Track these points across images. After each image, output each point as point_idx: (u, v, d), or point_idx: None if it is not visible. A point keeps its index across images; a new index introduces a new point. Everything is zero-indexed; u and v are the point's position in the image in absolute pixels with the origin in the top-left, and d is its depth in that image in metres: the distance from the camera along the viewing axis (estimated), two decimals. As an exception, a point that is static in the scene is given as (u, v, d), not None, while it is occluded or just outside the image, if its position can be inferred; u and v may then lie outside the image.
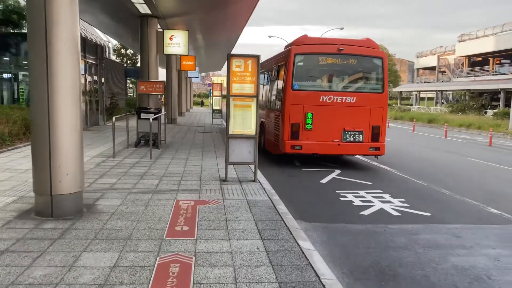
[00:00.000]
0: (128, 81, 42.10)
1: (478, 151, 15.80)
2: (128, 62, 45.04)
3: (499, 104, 37.21)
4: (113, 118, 9.57)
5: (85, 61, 16.59)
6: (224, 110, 35.50)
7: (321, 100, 9.89)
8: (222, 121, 23.74)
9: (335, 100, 9.92)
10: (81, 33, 16.83)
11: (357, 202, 7.02)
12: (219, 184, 7.23)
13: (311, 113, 9.84)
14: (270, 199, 6.35)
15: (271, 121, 11.02)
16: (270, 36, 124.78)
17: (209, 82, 77.72)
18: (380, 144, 10.18)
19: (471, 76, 44.56)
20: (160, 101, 37.02)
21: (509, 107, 27.76)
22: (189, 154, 10.89)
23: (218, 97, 23.52)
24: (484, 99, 37.78)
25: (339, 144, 10.01)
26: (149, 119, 10.65)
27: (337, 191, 7.76)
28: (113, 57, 45.37)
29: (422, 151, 14.84)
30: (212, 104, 24.69)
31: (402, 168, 10.64)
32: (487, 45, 41.85)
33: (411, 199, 7.35)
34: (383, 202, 7.08)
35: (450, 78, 50.40)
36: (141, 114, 11.66)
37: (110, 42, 49.91)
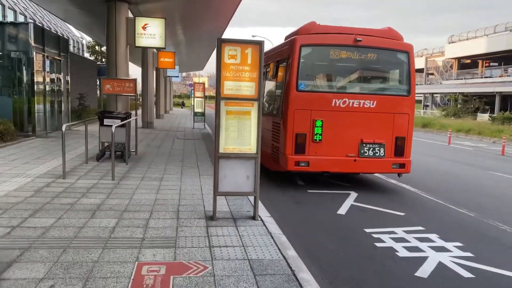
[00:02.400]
0: (103, 80, 39.31)
1: (495, 162, 14.00)
2: (103, 60, 42.14)
3: (492, 108, 35.97)
4: (63, 126, 7.25)
5: (43, 56, 14.10)
6: (209, 113, 33.28)
7: (333, 105, 7.79)
8: (204, 124, 21.47)
9: (351, 105, 7.83)
10: (35, 21, 14.33)
11: (402, 251, 4.92)
12: (205, 226, 5.02)
13: (321, 120, 7.72)
14: (283, 256, 4.17)
15: (268, 130, 8.85)
16: (253, 36, 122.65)
17: (190, 82, 74.96)
18: (406, 159, 8.14)
19: (462, 79, 43.35)
20: (138, 102, 34.54)
21: (508, 111, 26.41)
22: (165, 171, 8.62)
23: (200, 99, 21.24)
24: (478, 103, 36.47)
25: (355, 160, 7.92)
26: (114, 125, 8.36)
27: (366, 230, 5.65)
28: (86, 55, 42.53)
29: (434, 163, 12.91)
30: (193, 106, 22.38)
31: (426, 187, 8.62)
32: (478, 47, 40.65)
33: (469, 243, 5.30)
34: (436, 249, 5.01)
35: (439, 80, 49.21)
36: (105, 120, 9.33)
37: (84, 39, 46.96)
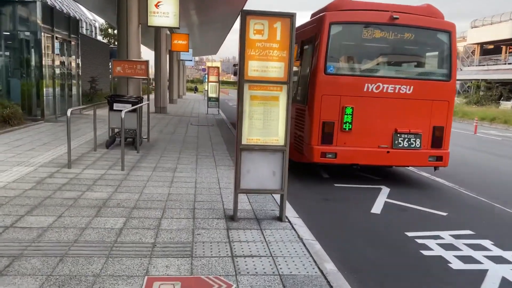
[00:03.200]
0: (116, 64, 38.62)
1: (530, 153, 13.06)
2: (116, 43, 41.53)
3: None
4: (68, 111, 6.61)
5: (52, 37, 13.48)
6: (222, 99, 32.49)
7: (365, 90, 7.00)
8: (218, 110, 20.77)
9: (385, 90, 7.03)
10: (46, 1, 13.69)
11: (455, 262, 4.19)
12: (225, 229, 4.35)
13: (351, 107, 6.95)
14: (321, 271, 3.48)
15: (291, 117, 8.08)
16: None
17: (203, 67, 74.07)
18: (444, 152, 7.34)
19: (484, 65, 41.69)
20: (151, 86, 33.98)
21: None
22: (179, 160, 7.97)
23: (214, 83, 20.48)
24: (502, 90, 34.99)
25: (388, 152, 7.15)
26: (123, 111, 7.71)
27: (408, 234, 4.94)
28: (99, 38, 41.95)
29: (464, 154, 12.04)
30: (207, 90, 21.66)
31: (463, 182, 7.83)
32: (502, 32, 38.85)
33: (533, 253, 4.55)
34: (494, 260, 4.27)
35: (459, 67, 47.55)
36: (115, 105, 8.69)
37: (97, 21, 46.35)
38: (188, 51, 21.53)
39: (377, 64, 7.38)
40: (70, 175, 6.26)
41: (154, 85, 24.11)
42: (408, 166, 8.56)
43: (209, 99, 20.60)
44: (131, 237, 3.96)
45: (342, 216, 5.59)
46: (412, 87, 7.09)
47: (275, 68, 4.44)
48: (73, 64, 15.80)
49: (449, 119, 7.34)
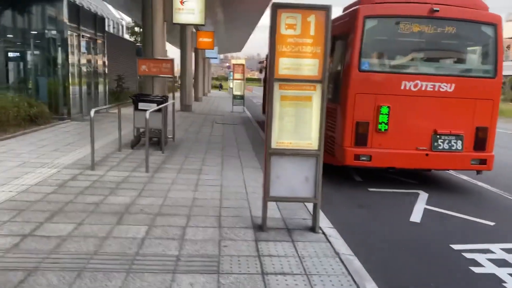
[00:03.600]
0: (142, 62, 38.84)
1: None
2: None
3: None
4: (92, 112, 6.43)
5: (79, 35, 13.47)
6: (249, 95, 32.14)
7: (402, 88, 6.54)
8: (244, 108, 20.48)
9: (423, 88, 6.55)
10: (73, 0, 13.69)
11: (510, 282, 3.74)
12: (254, 240, 4.02)
13: (387, 106, 6.51)
14: (362, 294, 3.11)
15: (321, 116, 7.69)
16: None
17: (228, 64, 74.05)
18: (487, 154, 6.81)
19: (521, 60, 39.87)
20: (177, 85, 34.03)
21: None
22: (204, 161, 7.70)
23: (239, 81, 20.21)
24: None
25: (427, 155, 6.67)
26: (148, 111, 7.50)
27: (454, 247, 4.49)
28: (126, 36, 42.42)
29: (507, 155, 11.32)
30: (232, 88, 21.42)
31: (509, 187, 7.25)
32: (540, 25, 37.08)
33: None
34: (556, 281, 3.79)
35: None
36: (140, 104, 8.49)
37: (124, 20, 46.90)
38: (213, 49, 21.34)
39: (415, 60, 6.90)
40: (93, 177, 6.07)
41: (179, 83, 24.08)
42: (448, 170, 8.02)
43: (234, 97, 20.34)
44: (154, 249, 3.69)
45: (379, 225, 5.17)
46: (453, 84, 6.58)
47: (309, 66, 4.07)
48: (100, 63, 15.82)
49: (494, 119, 6.79)
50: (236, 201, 5.25)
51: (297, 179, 4.23)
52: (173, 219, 4.49)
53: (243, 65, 20.79)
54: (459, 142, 6.70)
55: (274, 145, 4.16)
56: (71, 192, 5.26)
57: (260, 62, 18.34)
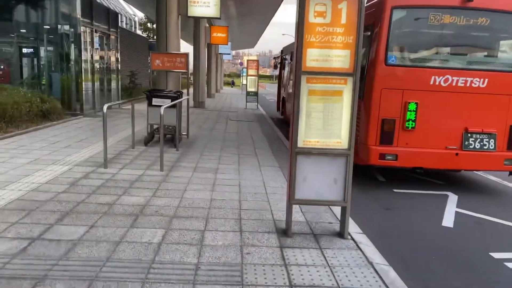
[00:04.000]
0: (155, 58, 38.58)
1: None
2: (155, 37, 41.79)
3: None
4: (104, 107, 6.17)
5: (92, 30, 13.28)
6: (262, 92, 31.78)
7: (431, 83, 6.16)
8: (257, 105, 20.15)
9: (454, 83, 6.16)
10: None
11: None
12: (278, 247, 3.71)
13: (415, 103, 6.13)
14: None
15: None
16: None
17: (240, 61, 73.69)
18: (522, 154, 6.39)
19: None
20: (190, 81, 33.82)
21: None
22: (220, 159, 7.41)
23: (253, 77, 19.87)
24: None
25: (457, 154, 6.28)
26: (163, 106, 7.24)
27: (494, 256, 4.14)
28: (138, 32, 42.34)
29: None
30: (246, 85, 21.10)
31: (547, 191, 6.83)
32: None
33: None
34: None
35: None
36: (153, 100, 8.23)
37: (136, 16, 46.82)
38: (227, 44, 21.03)
39: (446, 54, 6.49)
40: (106, 175, 5.81)
41: (192, 79, 23.81)
42: (479, 171, 7.60)
43: (248, 93, 20.02)
44: (171, 255, 3.40)
45: (410, 230, 4.81)
46: (486, 80, 6.18)
47: (339, 57, 3.73)
48: (113, 58, 15.64)
49: (529, 117, 6.37)
50: (256, 203, 4.94)
51: (325, 180, 3.90)
52: (190, 221, 4.20)
53: (257, 61, 20.44)
54: (492, 141, 6.30)
55: (300, 143, 3.83)
56: (83, 192, 5.01)
57: (275, 58, 17.98)
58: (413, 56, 6.44)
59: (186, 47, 40.30)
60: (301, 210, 4.70)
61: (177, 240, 3.73)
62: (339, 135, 3.85)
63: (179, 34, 10.44)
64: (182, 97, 8.78)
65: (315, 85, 3.77)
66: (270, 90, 45.52)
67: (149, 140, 8.48)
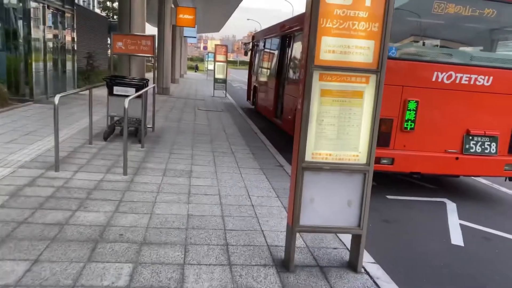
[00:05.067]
0: (115, 39, 36.35)
1: None
2: (115, 17, 39.47)
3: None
4: (56, 98, 5.10)
5: (44, 6, 11.80)
6: (229, 78, 30.76)
7: (434, 80, 5.53)
8: (225, 93, 19.19)
9: (458, 81, 5.56)
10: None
11: None
12: (280, 287, 2.93)
13: (416, 101, 5.49)
14: None
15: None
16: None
17: (204, 45, 71.74)
18: (523, 159, 5.93)
19: None
20: (150, 64, 32.13)
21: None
22: (193, 159, 6.52)
23: (222, 63, 18.84)
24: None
25: (457, 158, 5.73)
26: (127, 96, 6.24)
27: (523, 286, 3.55)
28: (97, 11, 39.87)
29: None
30: (213, 70, 20.05)
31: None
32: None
33: None
34: None
35: None
36: (115, 88, 7.18)
37: (95, -7, 44.06)
38: (194, 27, 19.83)
39: (450, 47, 5.88)
40: (57, 182, 4.80)
41: (153, 62, 22.35)
42: (479, 176, 7.12)
43: (216, 80, 19.00)
44: (143, 309, 2.54)
45: (420, 252, 4.17)
46: (491, 77, 5.62)
47: (361, 49, 2.95)
48: (68, 38, 14.15)
49: (532, 118, 5.90)
50: (243, 220, 4.13)
51: (337, 202, 3.14)
52: (165, 250, 3.33)
53: (226, 46, 19.39)
54: (494, 145, 5.80)
55: (308, 157, 3.04)
56: (27, 206, 4.00)
57: (245, 44, 17.04)
58: (414, 48, 5.77)
59: (149, 29, 38.33)
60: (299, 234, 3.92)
61: (149, 281, 2.86)
62: (356, 146, 3.09)
63: (145, 13, 9.32)
64: (148, 86, 7.76)
65: (330, 83, 2.98)
66: (235, 77, 44.41)
67: (109, 134, 7.42)
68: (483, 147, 5.77)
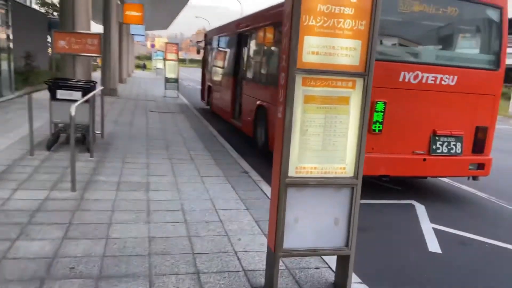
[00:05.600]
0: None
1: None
2: (55, 13, 37.25)
3: None
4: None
5: (-28, -1, 10.64)
6: (180, 76, 29.95)
7: (401, 80, 5.39)
8: (178, 93, 18.49)
9: (424, 81, 5.46)
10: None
11: None
12: (266, 324, 2.56)
13: (384, 102, 5.32)
14: None
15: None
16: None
17: (152, 43, 69.77)
18: (485, 158, 5.95)
19: None
20: (96, 63, 30.58)
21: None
22: (148, 168, 5.99)
23: (173, 62, 18.11)
24: None
25: (424, 160, 5.64)
26: (72, 101, 5.64)
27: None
28: (36, 7, 37.44)
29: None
30: (163, 69, 19.27)
31: (505, 194, 6.52)
32: None
33: None
34: None
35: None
36: (58, 92, 6.47)
37: (32, -12, 41.41)
38: (143, 24, 18.91)
39: (416, 46, 5.77)
40: (-9, 204, 4.13)
41: (97, 62, 21.20)
42: (445, 177, 7.08)
43: (167, 80, 18.24)
44: None
45: (402, 264, 3.95)
46: (455, 77, 5.57)
47: (347, 50, 2.64)
48: (2, 36, 12.94)
49: (494, 117, 5.95)
50: (213, 240, 3.71)
51: (323, 221, 2.82)
52: (127, 285, 2.85)
53: (176, 44, 18.66)
54: (459, 145, 5.77)
55: (292, 172, 2.68)
56: (-47, 237, 3.35)
57: (198, 42, 16.46)
58: (381, 48, 5.59)
59: (93, 27, 36.48)
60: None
61: (110, 328, 2.39)
62: (343, 158, 2.78)
63: (90, 9, 8.58)
64: (95, 88, 7.10)
65: (314, 88, 2.64)
66: (185, 75, 43.38)
67: (53, 142, 6.70)
68: (449, 147, 5.73)
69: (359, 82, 2.70)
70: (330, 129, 2.72)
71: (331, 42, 2.60)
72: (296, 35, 2.52)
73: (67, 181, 4.90)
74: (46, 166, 5.66)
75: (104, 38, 17.33)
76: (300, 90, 2.62)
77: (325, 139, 2.72)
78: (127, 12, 16.25)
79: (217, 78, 12.31)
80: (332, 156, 2.76)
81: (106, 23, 16.58)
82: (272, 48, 7.87)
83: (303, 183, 2.72)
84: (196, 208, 4.48)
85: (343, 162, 2.78)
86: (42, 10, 34.97)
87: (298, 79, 2.60)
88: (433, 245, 4.39)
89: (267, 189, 5.41)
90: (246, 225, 4.13)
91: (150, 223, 3.97)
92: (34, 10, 25.06)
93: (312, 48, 2.58)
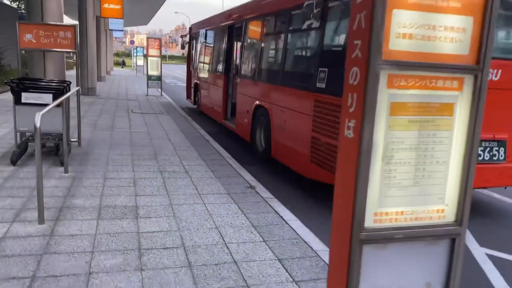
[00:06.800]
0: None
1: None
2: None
3: None
4: None
5: None
6: (164, 74, 28.83)
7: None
8: (161, 91, 17.36)
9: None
10: None
11: None
12: None
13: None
14: None
15: (302, 112, 5.41)
16: None
17: (131, 39, 67.70)
18: (529, 163, 5.14)
19: None
20: (72, 60, 29.03)
21: None
22: (136, 185, 4.97)
23: (155, 58, 16.97)
24: None
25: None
26: (42, 106, 4.62)
27: None
28: (6, 1, 35.55)
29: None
30: (144, 66, 18.10)
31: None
32: None
33: None
34: None
35: None
36: (24, 95, 5.38)
37: (2, -18, 39.37)
38: (122, 18, 17.63)
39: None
40: None
41: (74, 59, 19.80)
42: (486, 188, 6.21)
43: (150, 77, 17.10)
44: None
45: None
46: (499, 71, 4.73)
47: (452, 32, 1.70)
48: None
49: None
50: (230, 294, 2.75)
51: (409, 285, 1.89)
52: None
53: (159, 39, 17.51)
54: (502, 150, 4.96)
55: (370, 221, 1.74)
56: None
57: (182, 36, 15.35)
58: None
59: (67, 22, 34.78)
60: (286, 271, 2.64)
61: None
62: (442, 196, 1.85)
63: (61, -2, 7.46)
64: (70, 90, 6.03)
65: (407, 91, 1.70)
66: (167, 72, 41.96)
67: (19, 155, 5.61)
68: (491, 153, 4.93)
69: (468, 81, 1.78)
70: (426, 153, 1.79)
71: (430, 19, 1.67)
72: (382, 7, 1.57)
73: (34, 209, 3.87)
74: (9, 186, 4.59)
75: (80, 32, 16.12)
76: (384, 95, 1.67)
77: (418, 168, 1.79)
78: (105, 5, 15.04)
79: (206, 75, 11.28)
80: (426, 193, 1.83)
81: (82, 15, 15.32)
82: (276, 40, 6.91)
83: (386, 237, 1.78)
84: (200, 243, 3.50)
85: (441, 202, 1.85)
86: (14, 5, 33.19)
87: (383, 78, 1.65)
88: (498, 281, 3.54)
89: (282, 210, 4.47)
90: (267, 266, 3.18)
91: (144, 271, 2.98)
92: (4, 4, 23.46)
93: (404, 29, 1.64)
